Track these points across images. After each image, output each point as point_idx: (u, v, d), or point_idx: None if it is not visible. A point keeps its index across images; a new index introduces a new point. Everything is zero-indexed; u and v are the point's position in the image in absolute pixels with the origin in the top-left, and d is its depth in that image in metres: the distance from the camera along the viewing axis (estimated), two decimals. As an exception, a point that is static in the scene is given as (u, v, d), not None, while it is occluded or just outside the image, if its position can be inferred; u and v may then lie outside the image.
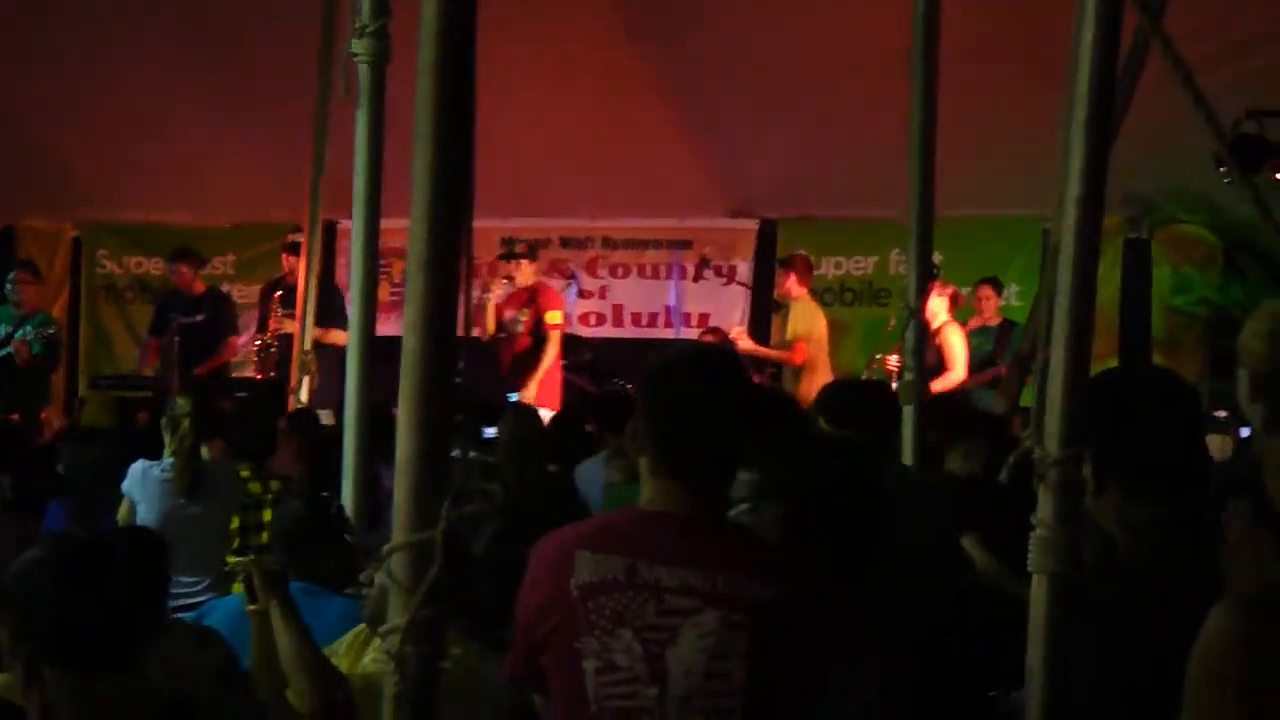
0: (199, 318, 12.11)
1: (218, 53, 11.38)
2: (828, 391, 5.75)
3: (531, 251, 12.46)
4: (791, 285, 12.14)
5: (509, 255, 12.34)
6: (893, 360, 10.47)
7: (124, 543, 3.29)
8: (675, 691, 2.92)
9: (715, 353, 3.34)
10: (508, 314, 12.18)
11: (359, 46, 5.85)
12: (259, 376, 11.71)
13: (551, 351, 12.00)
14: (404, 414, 2.40)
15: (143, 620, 3.27)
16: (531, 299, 12.15)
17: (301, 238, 10.94)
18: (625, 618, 2.94)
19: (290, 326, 10.88)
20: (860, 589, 3.42)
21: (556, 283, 13.30)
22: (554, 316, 12.04)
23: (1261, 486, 2.83)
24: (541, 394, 11.80)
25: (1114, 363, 11.39)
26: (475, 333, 12.20)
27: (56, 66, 11.70)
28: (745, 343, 12.00)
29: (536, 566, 3.07)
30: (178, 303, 12.38)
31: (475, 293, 12.61)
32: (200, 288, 12.46)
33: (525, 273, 12.22)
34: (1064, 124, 3.00)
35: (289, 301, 11.17)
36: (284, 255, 11.80)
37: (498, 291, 12.34)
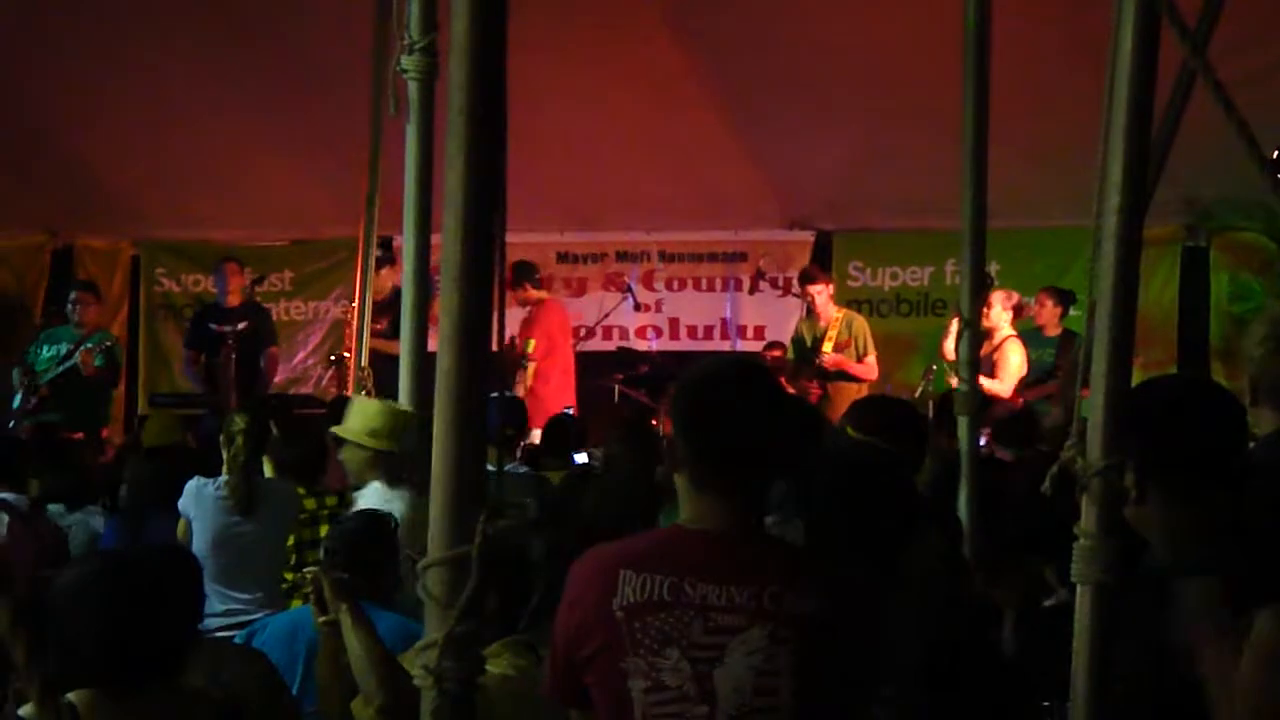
0: (241, 326, 12.06)
1: (273, 71, 11.46)
2: (858, 403, 5.88)
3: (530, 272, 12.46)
4: (829, 293, 12.00)
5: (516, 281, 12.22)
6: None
7: (160, 560, 3.33)
8: (725, 709, 2.91)
9: (748, 364, 3.32)
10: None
11: (408, 63, 5.86)
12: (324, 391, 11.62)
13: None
14: (438, 429, 2.40)
15: (184, 635, 3.30)
16: (530, 321, 12.29)
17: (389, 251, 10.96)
18: (672, 637, 2.93)
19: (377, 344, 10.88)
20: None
21: (613, 296, 13.32)
22: (528, 345, 12.08)
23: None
24: (556, 393, 11.92)
25: (1173, 370, 11.34)
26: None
27: (117, 88, 11.82)
28: (831, 357, 11.67)
29: (575, 586, 3.05)
30: (215, 313, 12.37)
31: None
32: (237, 299, 12.44)
33: (532, 294, 12.34)
34: (1102, 133, 2.98)
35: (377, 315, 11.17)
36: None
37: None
